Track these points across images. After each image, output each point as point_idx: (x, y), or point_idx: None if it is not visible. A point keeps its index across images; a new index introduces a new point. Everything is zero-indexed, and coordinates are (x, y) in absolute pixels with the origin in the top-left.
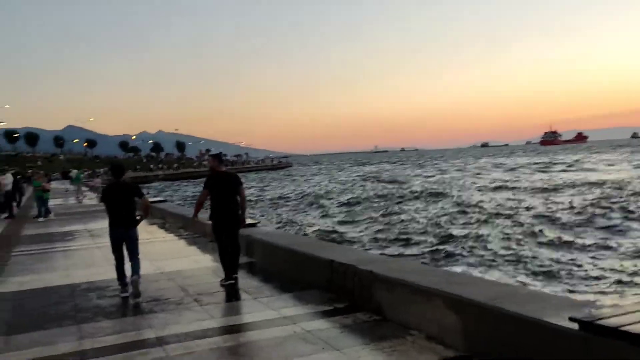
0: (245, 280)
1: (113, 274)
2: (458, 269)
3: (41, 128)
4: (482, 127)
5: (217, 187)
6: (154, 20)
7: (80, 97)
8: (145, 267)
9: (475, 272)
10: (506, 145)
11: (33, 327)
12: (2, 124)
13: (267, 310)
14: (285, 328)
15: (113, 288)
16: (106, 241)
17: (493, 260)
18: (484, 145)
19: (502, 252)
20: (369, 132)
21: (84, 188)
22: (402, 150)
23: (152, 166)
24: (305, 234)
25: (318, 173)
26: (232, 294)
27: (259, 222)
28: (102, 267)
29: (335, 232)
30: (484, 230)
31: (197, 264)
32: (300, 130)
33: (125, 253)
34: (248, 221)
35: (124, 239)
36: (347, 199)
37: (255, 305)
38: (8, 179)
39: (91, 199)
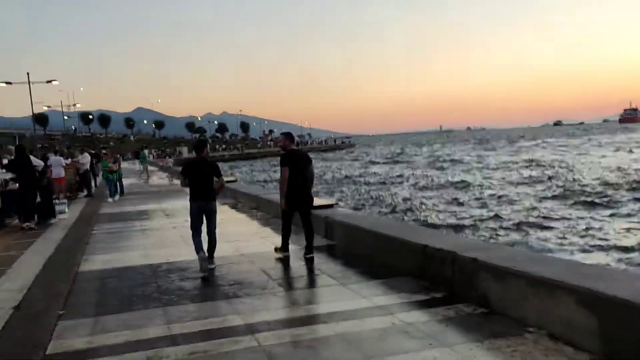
0: (327, 265)
1: (191, 255)
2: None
3: (113, 110)
4: (553, 104)
5: (293, 164)
6: (221, 5)
7: (148, 81)
8: (224, 249)
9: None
10: (581, 123)
11: (120, 309)
12: (77, 106)
13: (358, 299)
14: (382, 319)
15: (193, 270)
16: (180, 221)
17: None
18: (557, 123)
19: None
20: (433, 112)
21: (152, 168)
22: (469, 129)
23: (217, 147)
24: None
25: (390, 158)
26: (317, 279)
27: (336, 204)
28: (179, 247)
29: (420, 215)
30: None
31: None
32: (362, 110)
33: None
34: (325, 202)
35: (204, 212)
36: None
37: (343, 292)
38: (85, 158)
39: (162, 178)
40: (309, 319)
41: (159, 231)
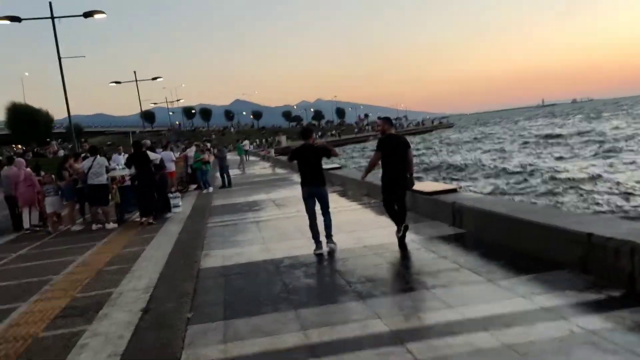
0: (462, 257)
1: (310, 249)
2: None
3: (213, 104)
4: None
5: (389, 149)
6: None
7: (245, 73)
8: (344, 240)
9: None
10: None
11: (249, 311)
12: (181, 101)
13: (515, 298)
14: (555, 325)
15: (317, 265)
16: (292, 211)
17: None
18: None
19: None
20: (532, 85)
21: (254, 158)
22: (574, 101)
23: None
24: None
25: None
26: (457, 274)
27: (460, 188)
28: (297, 239)
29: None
30: None
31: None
32: (458, 89)
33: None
34: (446, 187)
35: (315, 196)
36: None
37: (494, 290)
38: (192, 151)
39: (264, 168)
40: (463, 325)
41: (273, 222)
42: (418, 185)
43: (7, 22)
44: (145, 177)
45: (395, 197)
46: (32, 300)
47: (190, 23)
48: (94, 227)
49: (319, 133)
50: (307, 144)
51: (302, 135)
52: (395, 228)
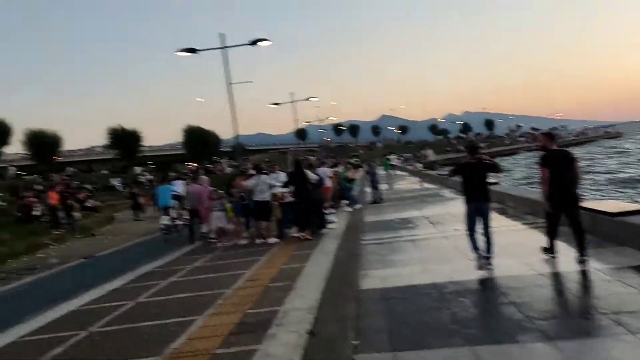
0: None
1: (475, 273)
2: None
3: (360, 120)
4: None
5: (553, 165)
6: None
7: (391, 89)
8: (512, 266)
9: None
10: None
11: (417, 342)
12: (331, 118)
13: None
14: None
15: (486, 293)
16: (449, 229)
17: None
18: None
19: None
20: None
21: (402, 173)
22: None
23: (460, 147)
24: None
25: None
26: None
27: None
28: (459, 261)
29: None
30: None
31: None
32: (625, 93)
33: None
34: (636, 207)
35: (478, 213)
36: None
37: None
38: (339, 168)
39: (412, 182)
40: None
41: (429, 242)
42: (600, 205)
43: (186, 54)
44: (304, 195)
45: (568, 215)
46: (207, 313)
47: (340, 46)
48: (257, 241)
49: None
50: (475, 159)
51: (470, 150)
52: (567, 253)
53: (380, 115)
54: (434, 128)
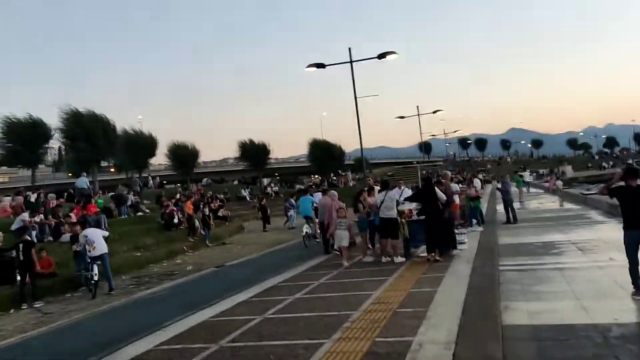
0: None
1: None
2: None
3: (487, 133)
4: None
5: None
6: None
7: (520, 101)
8: None
9: None
10: None
11: None
12: (458, 132)
13: None
14: None
15: None
16: (604, 259)
17: None
18: None
19: None
20: None
21: (537, 190)
22: None
23: (603, 164)
24: None
25: None
26: None
27: None
28: (622, 299)
29: None
30: None
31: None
32: None
33: None
34: None
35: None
36: None
37: None
38: (478, 183)
39: (550, 202)
40: None
41: (582, 272)
42: None
43: (314, 69)
44: (433, 213)
45: None
46: (334, 337)
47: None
48: (383, 259)
49: (610, 162)
50: (634, 184)
51: (630, 174)
52: None
53: (509, 129)
54: (572, 142)
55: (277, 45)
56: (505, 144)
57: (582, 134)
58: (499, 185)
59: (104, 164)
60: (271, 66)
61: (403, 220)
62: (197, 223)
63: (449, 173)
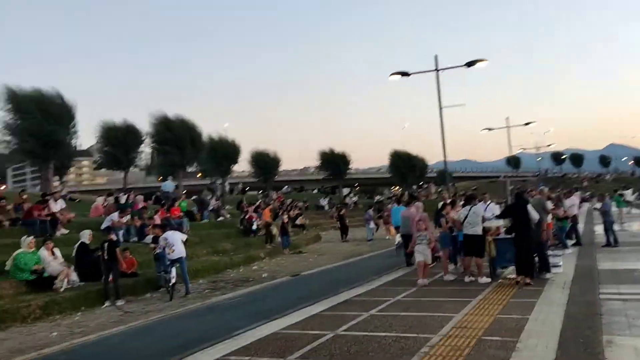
0: None
1: None
2: None
3: (582, 148)
4: None
5: None
6: None
7: (622, 115)
8: None
9: None
10: None
11: None
12: (552, 146)
13: None
14: None
15: None
16: None
17: None
18: None
19: None
20: None
21: (635, 211)
22: None
23: None
24: None
25: None
26: None
27: None
28: None
29: None
30: None
31: None
32: None
33: None
34: None
35: None
36: None
37: None
38: (572, 201)
39: None
40: None
41: None
42: None
43: (398, 77)
44: (524, 231)
45: None
46: None
47: (562, 65)
48: (466, 279)
49: None
50: None
51: None
52: None
53: (608, 144)
54: None
55: (360, 54)
56: (604, 160)
57: None
58: (597, 205)
59: (190, 169)
60: (354, 74)
61: (489, 237)
62: (274, 230)
63: (546, 189)
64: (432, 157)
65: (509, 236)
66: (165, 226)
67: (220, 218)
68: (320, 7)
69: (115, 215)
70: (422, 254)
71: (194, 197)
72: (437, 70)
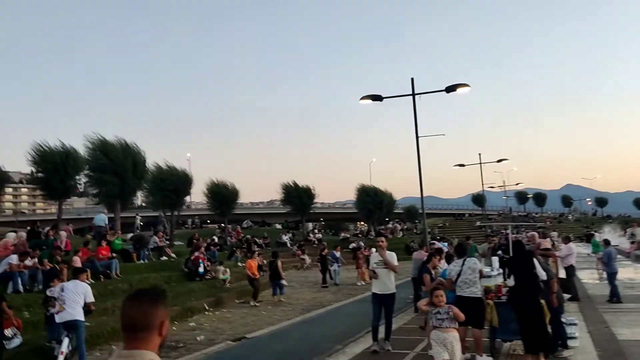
0: None
1: None
2: None
3: (541, 188)
4: None
5: None
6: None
7: (576, 156)
8: None
9: None
10: None
11: None
12: (519, 184)
13: None
14: None
15: None
16: None
17: None
18: None
19: None
20: None
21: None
22: None
23: None
24: None
25: None
26: None
27: None
28: None
29: None
30: None
31: None
32: None
33: None
34: None
35: None
36: None
37: None
38: (570, 250)
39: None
40: None
41: None
42: None
43: (369, 101)
44: (531, 294)
45: None
46: None
47: (524, 110)
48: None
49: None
50: None
51: None
52: None
53: (565, 184)
54: (638, 202)
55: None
56: (566, 200)
57: None
58: (601, 254)
59: (138, 201)
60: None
61: (490, 301)
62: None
63: (537, 235)
64: (399, 192)
65: (512, 299)
66: (82, 271)
67: (164, 258)
68: (284, 34)
69: (13, 258)
70: (443, 347)
71: (130, 235)
72: (413, 94)
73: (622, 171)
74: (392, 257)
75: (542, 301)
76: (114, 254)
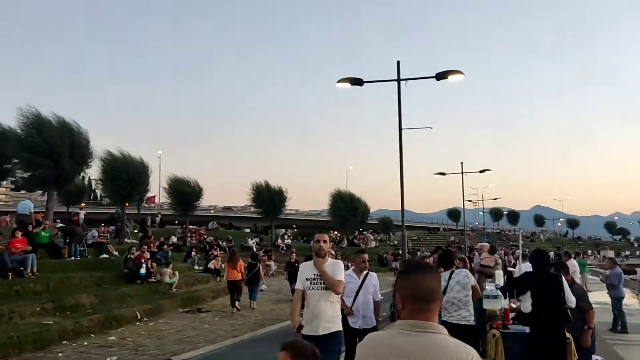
0: None
1: None
2: None
3: (511, 207)
4: None
5: None
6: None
7: (546, 179)
8: None
9: None
10: None
11: None
12: (498, 200)
13: None
14: None
15: None
16: None
17: None
18: None
19: None
20: None
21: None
22: None
23: None
24: None
25: None
26: None
27: None
28: None
29: None
30: None
31: None
32: None
33: None
34: None
35: None
36: None
37: None
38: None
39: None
40: None
41: None
42: None
43: (348, 85)
44: (552, 323)
45: None
46: None
47: (489, 131)
48: None
49: (627, 253)
50: None
51: None
52: None
53: (534, 205)
54: (611, 226)
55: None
56: (539, 219)
57: (617, 218)
58: (608, 274)
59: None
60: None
61: (495, 331)
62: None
63: (486, 246)
64: (374, 205)
65: (525, 329)
66: None
67: (104, 255)
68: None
69: None
70: None
71: (60, 225)
72: (398, 80)
73: (590, 196)
74: (335, 267)
75: (569, 336)
76: (37, 248)
